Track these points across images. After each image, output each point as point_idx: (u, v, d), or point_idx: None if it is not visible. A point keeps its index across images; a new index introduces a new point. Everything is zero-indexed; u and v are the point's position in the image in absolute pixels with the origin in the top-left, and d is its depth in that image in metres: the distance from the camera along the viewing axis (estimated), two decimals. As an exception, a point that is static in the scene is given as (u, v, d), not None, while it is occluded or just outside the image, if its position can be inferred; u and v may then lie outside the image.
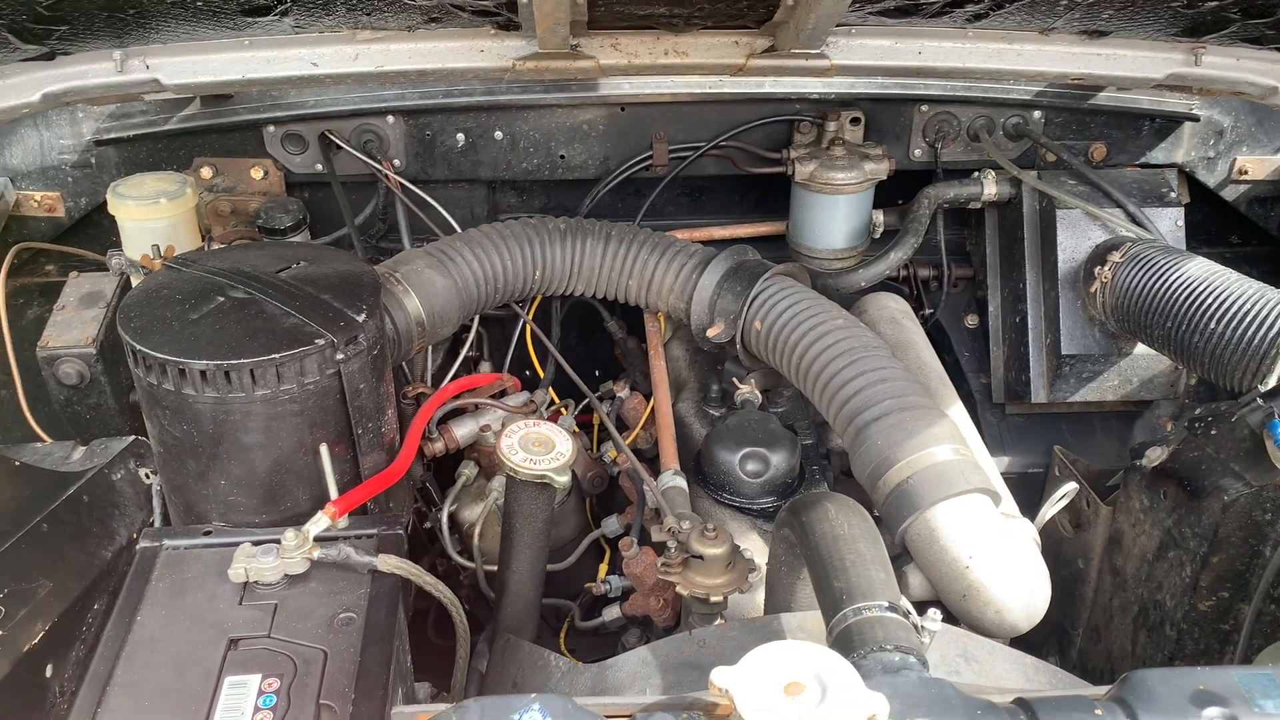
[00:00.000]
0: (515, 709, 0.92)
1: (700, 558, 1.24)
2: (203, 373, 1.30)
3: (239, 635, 1.24)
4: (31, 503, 1.35)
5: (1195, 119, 2.06)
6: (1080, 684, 1.27)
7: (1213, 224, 2.23)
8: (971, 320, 2.17)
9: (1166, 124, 2.08)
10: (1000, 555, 1.32)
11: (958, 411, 1.73)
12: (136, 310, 1.39)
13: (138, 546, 1.37)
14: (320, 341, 1.33)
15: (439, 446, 1.65)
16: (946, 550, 1.31)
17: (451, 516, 1.71)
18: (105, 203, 1.92)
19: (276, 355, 1.31)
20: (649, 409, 1.79)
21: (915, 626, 1.00)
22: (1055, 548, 1.94)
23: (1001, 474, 2.08)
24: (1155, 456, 1.72)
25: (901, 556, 1.41)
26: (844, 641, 0.99)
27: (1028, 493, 2.09)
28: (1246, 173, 2.12)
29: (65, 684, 1.24)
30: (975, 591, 1.31)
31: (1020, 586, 1.33)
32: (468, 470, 1.72)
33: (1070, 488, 1.49)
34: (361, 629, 1.27)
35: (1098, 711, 0.92)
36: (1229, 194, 2.15)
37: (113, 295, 1.82)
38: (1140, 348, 1.93)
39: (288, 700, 1.18)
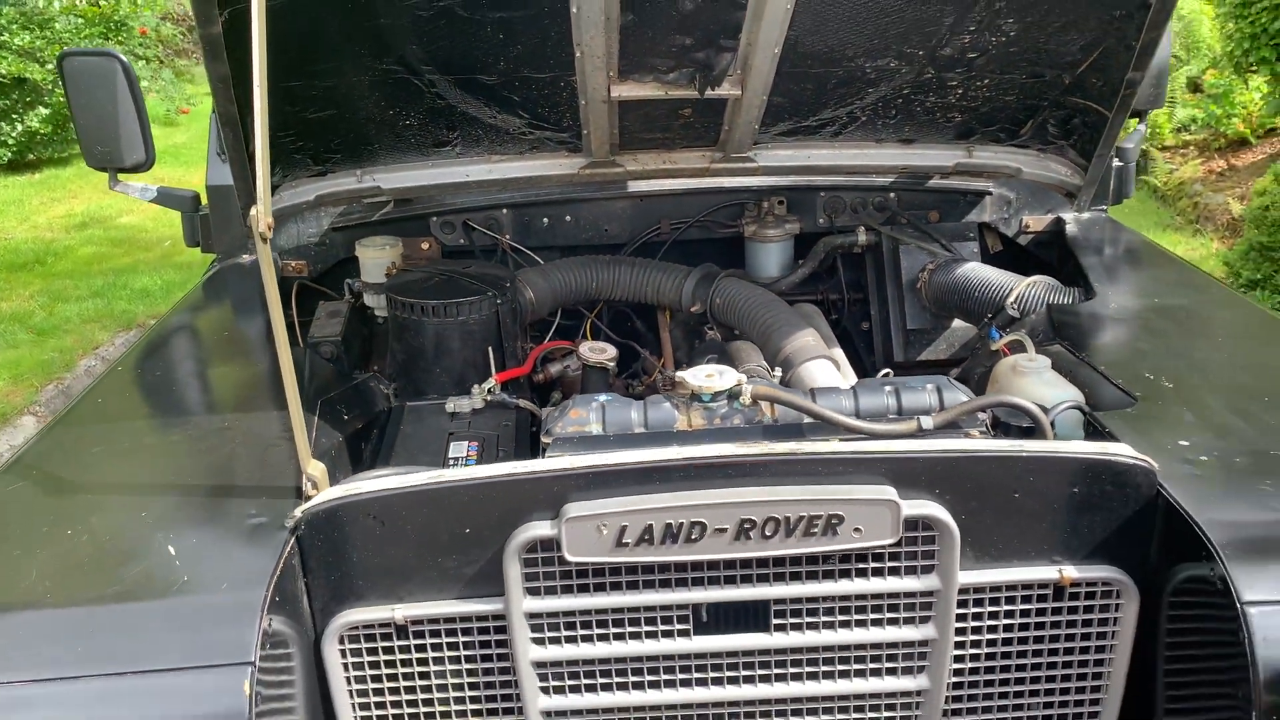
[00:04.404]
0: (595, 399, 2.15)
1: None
2: (430, 307, 2.60)
3: (451, 431, 2.50)
4: (334, 387, 2.61)
5: (989, 194, 3.35)
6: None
7: (1020, 263, 3.48)
8: (865, 325, 3.42)
9: (975, 197, 3.38)
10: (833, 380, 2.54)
11: (829, 339, 2.97)
12: (394, 285, 2.72)
13: (395, 405, 2.64)
14: (491, 293, 2.64)
15: (540, 377, 2.92)
16: (809, 384, 2.54)
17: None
18: (334, 266, 3.27)
19: (467, 299, 2.61)
20: (660, 363, 3.07)
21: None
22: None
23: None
24: (952, 373, 2.95)
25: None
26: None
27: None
28: (1029, 227, 3.40)
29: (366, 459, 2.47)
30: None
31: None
32: (556, 394, 2.97)
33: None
34: (513, 430, 2.52)
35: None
36: (1023, 240, 3.42)
37: (346, 309, 3.13)
38: (956, 321, 3.18)
39: (481, 451, 2.42)
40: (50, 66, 12.81)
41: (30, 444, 2.26)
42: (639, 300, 3.15)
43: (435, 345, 2.64)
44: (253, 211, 1.67)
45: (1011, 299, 2.76)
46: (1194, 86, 11.36)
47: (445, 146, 2.98)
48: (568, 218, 3.36)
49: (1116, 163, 3.38)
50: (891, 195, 3.37)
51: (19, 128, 12.67)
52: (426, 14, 2.36)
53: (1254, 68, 9.07)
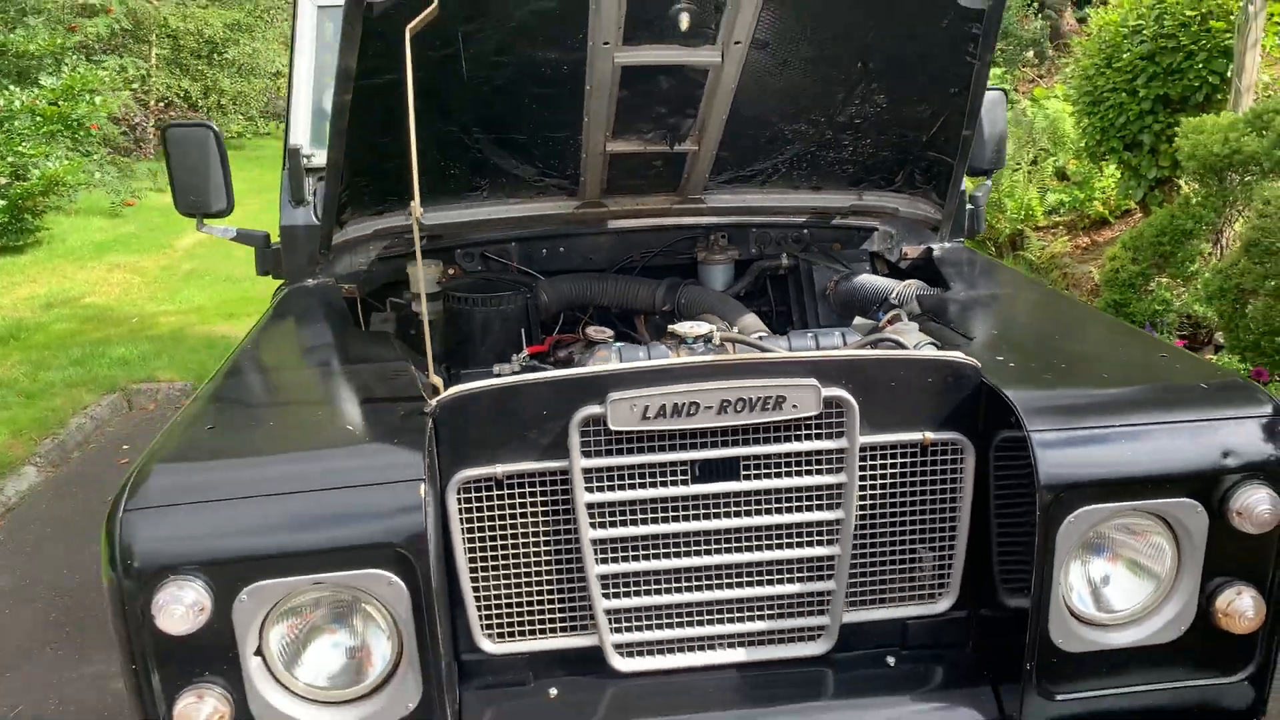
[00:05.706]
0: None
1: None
2: (474, 300, 3.59)
3: (501, 385, 3.47)
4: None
5: (877, 229, 4.47)
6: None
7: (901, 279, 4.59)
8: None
9: (867, 231, 4.49)
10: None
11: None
12: (451, 287, 3.70)
13: (452, 373, 3.60)
14: (522, 289, 3.63)
15: (553, 359, 3.90)
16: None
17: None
18: (380, 288, 4.22)
19: (506, 293, 3.61)
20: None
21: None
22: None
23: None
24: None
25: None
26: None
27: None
28: (908, 255, 4.50)
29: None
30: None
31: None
32: (563, 374, 3.95)
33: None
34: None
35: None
36: (903, 265, 4.53)
37: (394, 317, 4.07)
38: (857, 319, 4.25)
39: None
40: (10, 159, 13.54)
41: (201, 393, 3.14)
42: (623, 305, 4.18)
43: (482, 327, 3.62)
44: (412, 204, 2.65)
45: (893, 295, 3.85)
46: (1061, 175, 12.97)
47: (476, 191, 3.99)
48: (561, 249, 4.38)
49: (970, 206, 4.54)
50: (806, 231, 4.47)
51: (-21, 217, 13.29)
52: (486, 90, 3.40)
53: (1105, 157, 10.62)
